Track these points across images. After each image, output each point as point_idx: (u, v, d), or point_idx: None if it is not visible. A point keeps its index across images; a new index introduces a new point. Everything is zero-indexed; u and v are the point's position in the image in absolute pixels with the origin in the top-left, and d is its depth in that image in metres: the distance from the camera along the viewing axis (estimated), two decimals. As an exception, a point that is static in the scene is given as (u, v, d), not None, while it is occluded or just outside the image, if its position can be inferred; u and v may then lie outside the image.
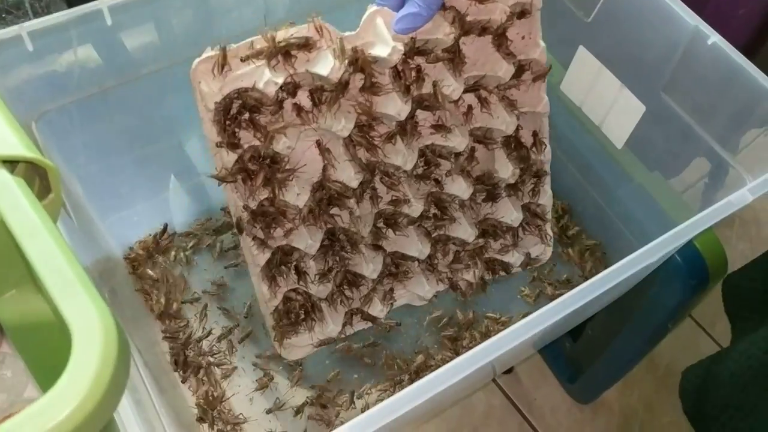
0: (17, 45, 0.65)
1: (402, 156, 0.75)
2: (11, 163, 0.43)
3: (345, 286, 0.83)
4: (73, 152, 0.78)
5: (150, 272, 0.87)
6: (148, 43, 0.76)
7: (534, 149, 0.85)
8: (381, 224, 0.82)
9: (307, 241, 0.75)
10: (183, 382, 0.82)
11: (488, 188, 0.85)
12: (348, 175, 0.74)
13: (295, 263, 0.78)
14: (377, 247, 0.82)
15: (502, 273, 0.91)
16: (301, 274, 0.79)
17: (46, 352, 0.46)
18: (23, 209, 0.39)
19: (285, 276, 0.79)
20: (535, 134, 0.84)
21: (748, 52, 0.71)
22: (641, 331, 0.93)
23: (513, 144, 0.83)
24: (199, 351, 0.84)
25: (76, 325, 0.33)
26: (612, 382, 1.17)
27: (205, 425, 0.79)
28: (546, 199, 0.88)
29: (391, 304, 0.86)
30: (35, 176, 0.45)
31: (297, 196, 0.73)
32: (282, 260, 0.77)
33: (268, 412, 0.81)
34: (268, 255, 0.75)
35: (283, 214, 0.74)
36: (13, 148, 0.42)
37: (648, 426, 1.26)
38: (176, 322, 0.85)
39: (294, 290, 0.80)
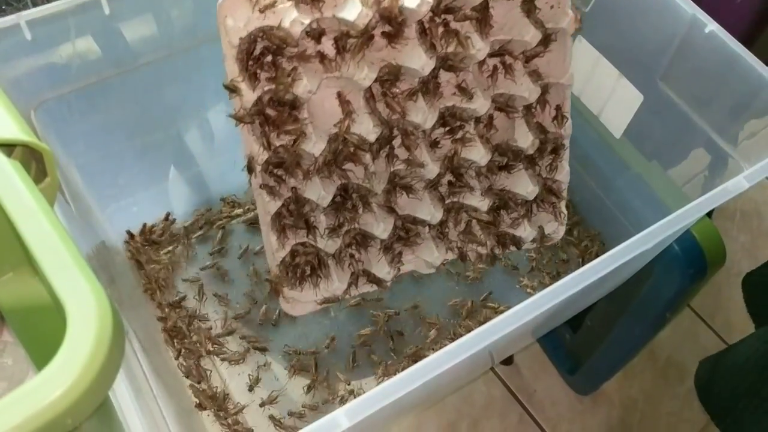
0: (16, 34, 0.66)
1: (422, 114, 0.74)
2: (8, 147, 0.43)
3: (354, 247, 0.82)
4: (72, 141, 0.78)
5: (150, 261, 0.87)
6: (147, 32, 0.76)
7: (555, 122, 0.83)
8: (395, 186, 0.81)
9: (320, 192, 0.74)
10: (184, 373, 0.82)
11: (505, 158, 0.84)
12: (366, 127, 0.73)
13: (305, 217, 0.78)
14: (389, 210, 0.81)
15: (513, 248, 0.89)
16: (310, 228, 0.78)
17: (43, 335, 0.46)
18: (19, 191, 0.39)
19: (294, 229, 0.78)
20: (558, 108, 0.82)
21: (747, 40, 0.71)
22: (640, 321, 0.93)
23: (535, 111, 0.82)
24: (198, 340, 0.84)
25: (71, 304, 0.34)
26: (612, 373, 1.17)
27: (204, 412, 0.80)
28: (563, 175, 0.86)
29: (398, 268, 0.85)
30: (32, 160, 0.45)
31: (314, 144, 0.71)
32: (292, 212, 0.77)
33: (261, 405, 0.81)
34: (279, 203, 0.75)
35: (298, 164, 0.73)
36: (9, 132, 0.43)
37: (648, 417, 1.26)
38: (176, 311, 0.85)
39: (302, 244, 0.79)
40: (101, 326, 0.33)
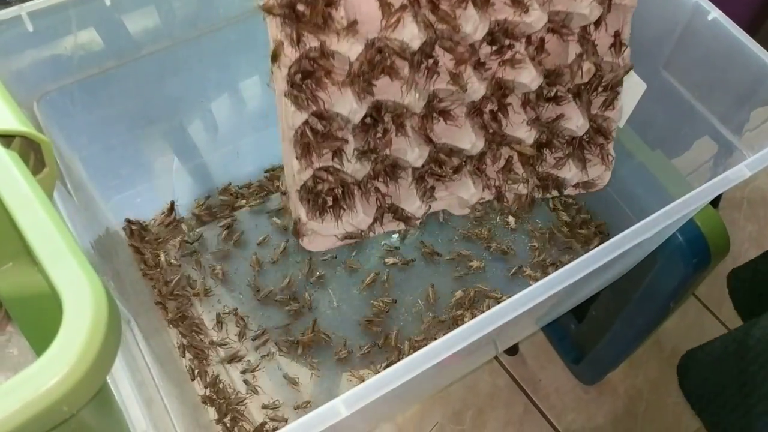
0: (17, 26, 0.66)
1: (473, 22, 0.67)
2: (6, 138, 0.44)
3: (381, 178, 0.75)
4: (74, 133, 0.79)
5: (152, 251, 0.88)
6: (149, 23, 0.76)
7: (612, 50, 0.76)
8: (432, 111, 0.74)
9: (352, 105, 0.67)
10: (187, 364, 0.83)
11: (554, 88, 0.78)
12: (410, 32, 0.65)
13: (332, 137, 0.71)
14: (426, 139, 0.75)
15: (554, 192, 0.84)
16: (337, 151, 0.71)
17: (43, 324, 0.46)
18: (17, 182, 0.39)
19: (319, 151, 0.70)
20: (616, 34, 0.75)
21: (750, 28, 0.71)
22: (644, 311, 0.93)
23: (590, 36, 0.75)
24: (200, 332, 0.84)
25: (67, 293, 0.34)
26: (617, 363, 1.17)
27: (209, 406, 0.80)
28: (615, 112, 0.80)
29: (430, 205, 0.79)
30: (30, 151, 0.45)
31: (350, 46, 0.64)
32: (318, 131, 0.70)
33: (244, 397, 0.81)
34: (304, 116, 0.67)
35: (328, 74, 0.66)
36: (7, 123, 0.43)
37: (652, 407, 1.26)
38: (178, 300, 0.85)
39: (326, 170, 0.72)
40: (97, 314, 0.34)
